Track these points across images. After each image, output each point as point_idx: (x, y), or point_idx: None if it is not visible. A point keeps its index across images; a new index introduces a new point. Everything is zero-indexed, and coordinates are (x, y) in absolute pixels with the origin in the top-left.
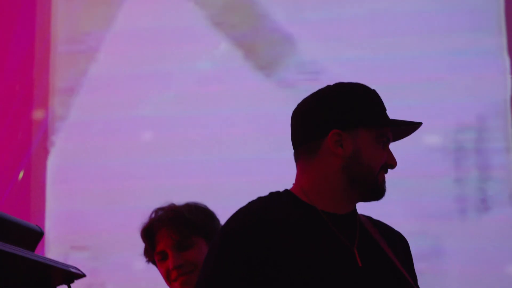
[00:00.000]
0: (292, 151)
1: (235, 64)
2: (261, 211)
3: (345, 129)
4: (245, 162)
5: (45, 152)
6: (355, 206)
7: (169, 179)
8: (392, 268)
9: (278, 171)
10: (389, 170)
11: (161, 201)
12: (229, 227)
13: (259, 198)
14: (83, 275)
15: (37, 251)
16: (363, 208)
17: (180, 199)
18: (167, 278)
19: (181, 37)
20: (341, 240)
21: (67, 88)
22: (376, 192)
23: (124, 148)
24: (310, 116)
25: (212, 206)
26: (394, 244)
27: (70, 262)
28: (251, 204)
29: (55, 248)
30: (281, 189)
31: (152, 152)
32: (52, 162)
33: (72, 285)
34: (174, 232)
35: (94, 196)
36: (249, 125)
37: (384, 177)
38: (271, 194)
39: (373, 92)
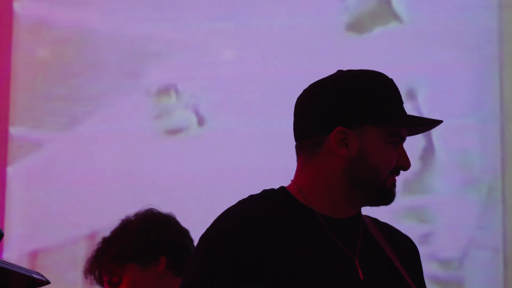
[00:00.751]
0: None
1: None
2: (252, 211)
3: (351, 127)
4: None
5: (4, 137)
6: (360, 210)
7: None
8: (398, 280)
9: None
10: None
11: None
12: (215, 228)
13: (250, 197)
14: (47, 282)
15: None
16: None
17: None
18: None
19: None
20: (341, 249)
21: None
22: (384, 196)
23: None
24: (314, 108)
25: None
26: (402, 251)
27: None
28: (241, 203)
29: (16, 251)
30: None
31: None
32: (13, 153)
33: None
34: (103, 273)
35: (62, 191)
36: None
37: (394, 180)
38: (264, 191)
39: (389, 82)
